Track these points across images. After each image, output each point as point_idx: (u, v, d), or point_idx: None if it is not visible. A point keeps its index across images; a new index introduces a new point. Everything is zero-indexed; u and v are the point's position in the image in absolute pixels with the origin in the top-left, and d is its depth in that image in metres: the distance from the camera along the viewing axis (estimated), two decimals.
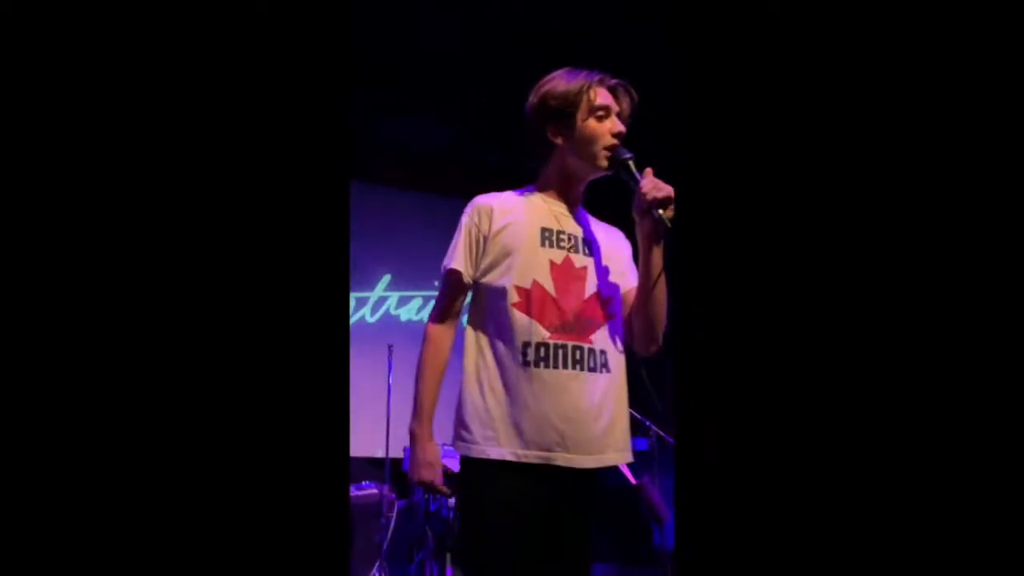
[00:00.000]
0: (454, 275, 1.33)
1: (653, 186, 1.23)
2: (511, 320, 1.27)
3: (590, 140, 1.32)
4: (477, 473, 1.26)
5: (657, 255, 1.29)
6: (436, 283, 1.52)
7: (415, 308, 4.54)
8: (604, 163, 1.31)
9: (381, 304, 4.58)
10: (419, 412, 1.31)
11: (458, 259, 1.33)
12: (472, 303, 1.37)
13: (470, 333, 1.34)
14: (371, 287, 4.57)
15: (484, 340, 1.31)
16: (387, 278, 4.55)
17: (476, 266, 1.33)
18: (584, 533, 1.30)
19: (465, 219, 1.36)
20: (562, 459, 1.24)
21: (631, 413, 1.37)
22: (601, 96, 1.33)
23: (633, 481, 2.94)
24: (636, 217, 1.29)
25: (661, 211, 1.22)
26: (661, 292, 1.31)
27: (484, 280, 1.33)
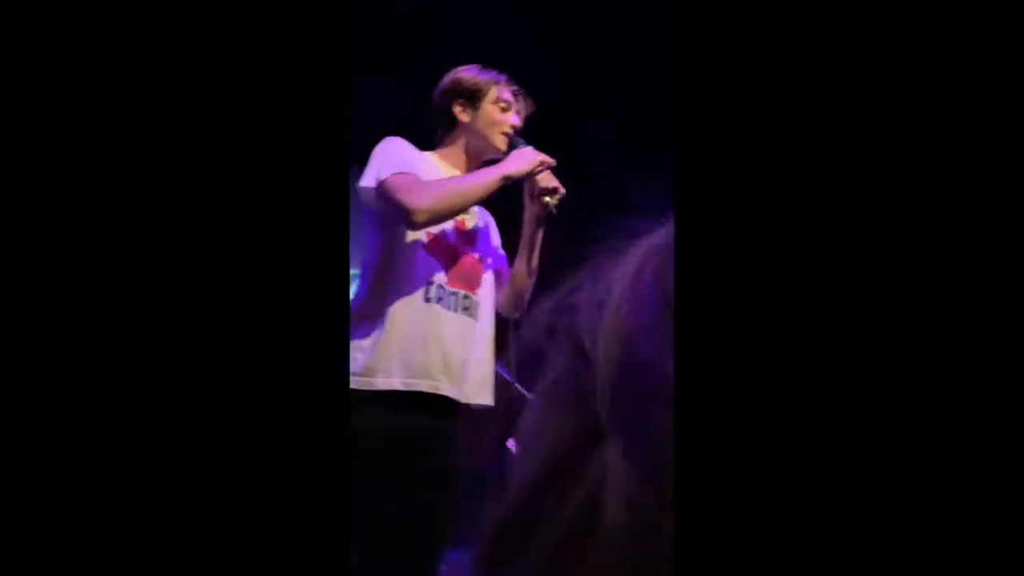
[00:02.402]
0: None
1: (546, 176, 1.44)
2: (418, 259, 1.39)
3: (492, 123, 1.51)
4: (362, 406, 1.30)
5: (538, 236, 1.53)
6: None
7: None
8: (502, 146, 1.49)
9: None
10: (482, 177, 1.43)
11: (412, 163, 1.40)
12: (374, 232, 1.44)
13: (368, 263, 1.43)
14: None
15: (386, 273, 1.39)
16: None
17: None
18: (455, 465, 1.45)
19: (396, 140, 1.45)
20: (450, 390, 1.37)
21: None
22: (505, 94, 1.54)
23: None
24: (527, 201, 1.52)
25: (548, 198, 1.44)
26: (535, 268, 1.55)
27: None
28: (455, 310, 1.41)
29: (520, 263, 1.56)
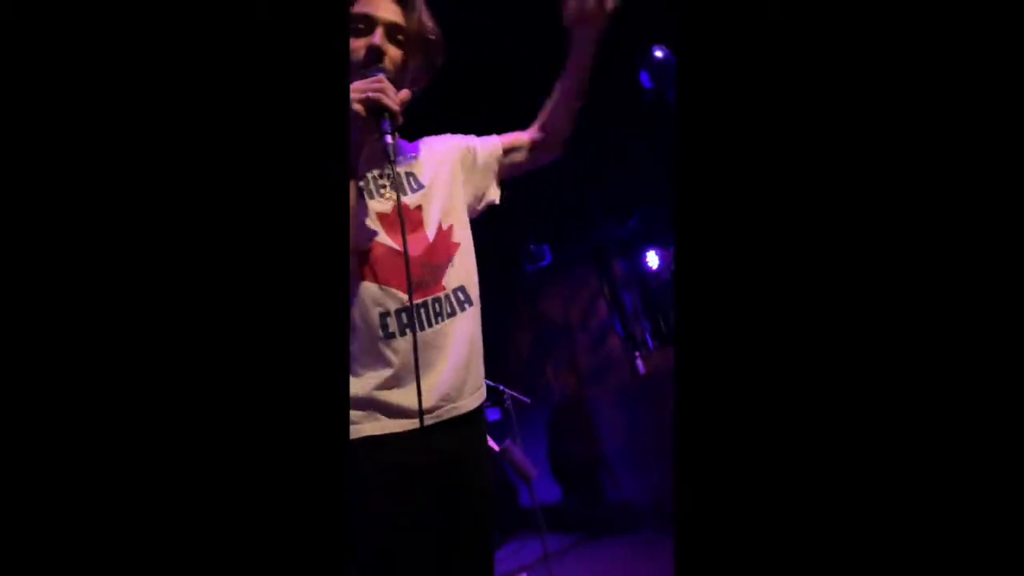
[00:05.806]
0: None
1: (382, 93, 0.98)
2: (360, 291, 1.07)
3: (351, 59, 1.07)
4: (357, 458, 1.04)
5: (590, 57, 1.18)
6: None
7: None
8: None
9: None
10: None
11: None
12: None
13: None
14: None
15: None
16: None
17: None
18: (485, 491, 1.14)
19: None
20: (448, 411, 1.09)
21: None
22: (360, 4, 1.08)
23: (496, 448, 2.93)
24: (574, 27, 1.16)
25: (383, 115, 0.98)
26: (585, 91, 1.24)
27: None
28: (430, 324, 1.09)
29: (568, 83, 1.22)
